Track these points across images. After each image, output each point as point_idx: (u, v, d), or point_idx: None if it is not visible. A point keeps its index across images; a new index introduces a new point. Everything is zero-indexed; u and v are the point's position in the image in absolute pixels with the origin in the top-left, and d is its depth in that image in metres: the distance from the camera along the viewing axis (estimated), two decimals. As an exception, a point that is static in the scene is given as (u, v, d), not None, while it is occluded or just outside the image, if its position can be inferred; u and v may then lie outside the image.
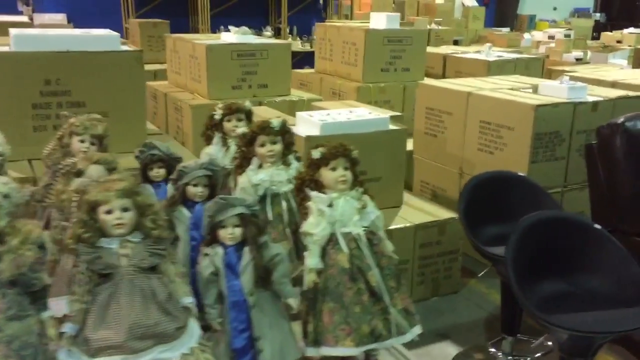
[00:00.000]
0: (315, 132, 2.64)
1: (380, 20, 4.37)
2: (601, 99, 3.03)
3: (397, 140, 2.80)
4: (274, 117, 2.35)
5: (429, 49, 5.35)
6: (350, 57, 4.37)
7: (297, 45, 7.70)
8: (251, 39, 3.92)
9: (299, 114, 2.79)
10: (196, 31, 7.03)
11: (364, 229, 2.00)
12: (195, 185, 2.06)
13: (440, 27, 9.07)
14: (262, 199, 2.19)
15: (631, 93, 3.14)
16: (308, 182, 2.03)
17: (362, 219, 2.02)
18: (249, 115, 2.60)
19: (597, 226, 1.81)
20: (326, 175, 2.01)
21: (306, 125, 2.71)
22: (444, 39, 8.62)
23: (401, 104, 4.34)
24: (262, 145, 2.20)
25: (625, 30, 9.28)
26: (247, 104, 2.63)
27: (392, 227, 2.64)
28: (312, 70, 4.92)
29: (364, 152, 2.72)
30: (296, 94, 4.26)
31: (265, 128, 2.20)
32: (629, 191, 2.21)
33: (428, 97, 3.52)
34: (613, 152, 2.24)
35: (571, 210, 2.70)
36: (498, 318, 2.44)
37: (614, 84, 3.56)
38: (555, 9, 12.72)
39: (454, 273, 2.86)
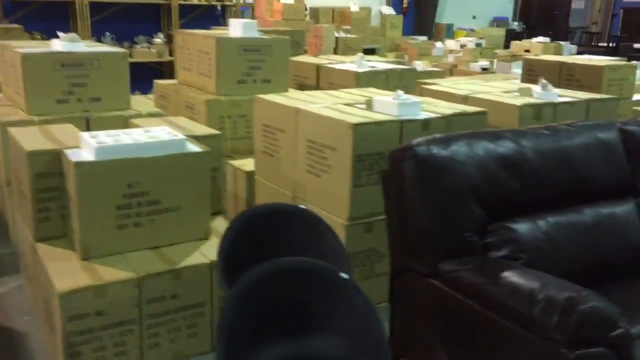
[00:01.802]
0: (89, 157, 2.28)
1: (237, 28, 4.05)
2: (434, 116, 2.78)
3: (198, 164, 2.48)
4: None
5: (303, 59, 5.08)
6: (205, 67, 4.03)
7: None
8: (80, 47, 3.53)
9: (81, 134, 2.43)
10: (76, 38, 6.56)
11: None
12: None
13: (349, 35, 8.85)
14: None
15: (469, 109, 2.90)
16: None
17: None
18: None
19: (344, 276, 1.51)
20: None
21: (86, 148, 2.35)
22: (353, 47, 8.41)
23: (259, 118, 4.04)
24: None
25: (534, 39, 9.28)
26: None
27: (182, 265, 2.31)
28: (174, 82, 4.56)
29: (154, 178, 2.41)
30: (144, 108, 3.89)
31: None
32: (420, 225, 1.94)
33: (264, 113, 3.21)
34: (403, 180, 1.97)
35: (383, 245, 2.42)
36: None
37: (466, 99, 3.34)
38: (474, 17, 12.75)
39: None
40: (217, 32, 4.49)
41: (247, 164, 3.45)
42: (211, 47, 3.91)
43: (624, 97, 5.04)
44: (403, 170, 1.96)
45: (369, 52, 8.93)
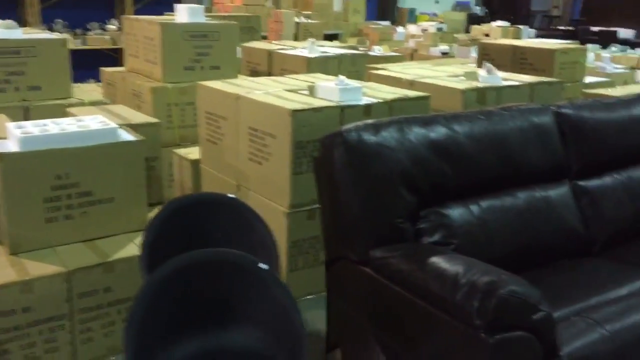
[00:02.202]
0: (14, 148, 2.20)
1: (182, 14, 3.96)
2: (376, 101, 2.76)
3: (131, 153, 2.41)
4: None
5: (256, 45, 5.00)
6: (151, 54, 3.93)
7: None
8: (16, 34, 3.41)
9: (7, 124, 2.34)
10: (25, 24, 6.36)
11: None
12: None
13: (309, 21, 8.77)
14: None
15: (411, 94, 2.89)
16: None
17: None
18: None
19: (263, 266, 1.48)
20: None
21: (11, 139, 2.27)
22: (314, 33, 8.34)
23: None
24: None
25: (494, 24, 9.33)
26: None
27: (115, 257, 2.25)
28: (121, 69, 4.45)
29: (84, 169, 2.34)
30: (88, 97, 3.79)
31: None
32: (350, 212, 1.91)
33: (207, 100, 3.15)
34: (333, 167, 1.94)
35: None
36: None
37: (412, 83, 3.33)
38: (437, 2, 12.76)
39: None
40: (164, 18, 4.39)
41: (194, 152, 3.39)
42: (156, 33, 3.82)
43: (576, 79, 5.11)
44: (333, 157, 1.93)
45: (331, 37, 8.88)
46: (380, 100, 2.78)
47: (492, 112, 2.23)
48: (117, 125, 2.42)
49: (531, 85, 3.31)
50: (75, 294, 2.17)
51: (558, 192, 2.29)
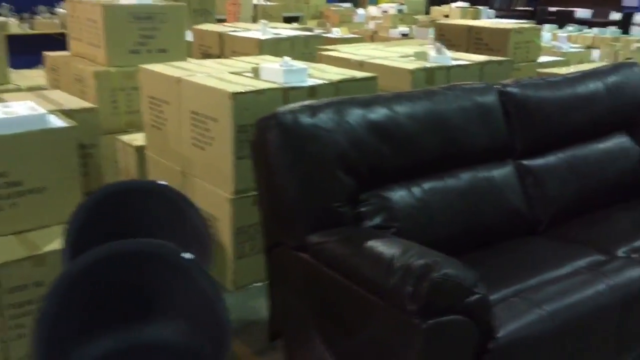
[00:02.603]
0: None
1: (127, -6, 3.82)
2: (321, 82, 2.69)
3: (62, 141, 2.30)
4: None
5: (207, 27, 4.87)
6: (94, 37, 3.78)
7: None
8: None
9: None
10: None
11: None
12: None
13: (269, 3, 8.63)
14: None
15: (358, 75, 2.83)
16: None
17: None
18: None
19: (187, 256, 1.41)
20: None
21: None
22: (273, 15, 8.21)
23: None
24: None
25: (453, 4, 9.31)
26: None
27: (46, 250, 2.15)
28: (66, 54, 4.28)
29: (12, 158, 2.22)
30: (28, 82, 3.64)
31: None
32: (286, 196, 1.85)
33: (149, 84, 3.04)
34: (268, 150, 1.87)
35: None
36: None
37: (361, 64, 3.27)
38: (399, -17, 12.67)
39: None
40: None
41: (139, 139, 3.28)
42: (98, 15, 3.67)
43: (530, 59, 5.12)
44: (267, 140, 1.87)
45: (291, 20, 8.74)
46: (326, 82, 2.71)
47: (434, 91, 2.19)
48: (46, 112, 2.30)
49: (481, 64, 3.28)
50: (4, 289, 2.06)
51: (502, 172, 2.27)
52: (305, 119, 1.88)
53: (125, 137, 3.33)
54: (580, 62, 6.14)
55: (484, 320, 1.57)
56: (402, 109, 2.06)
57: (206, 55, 4.69)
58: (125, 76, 3.65)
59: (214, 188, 2.64)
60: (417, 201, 2.01)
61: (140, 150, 3.18)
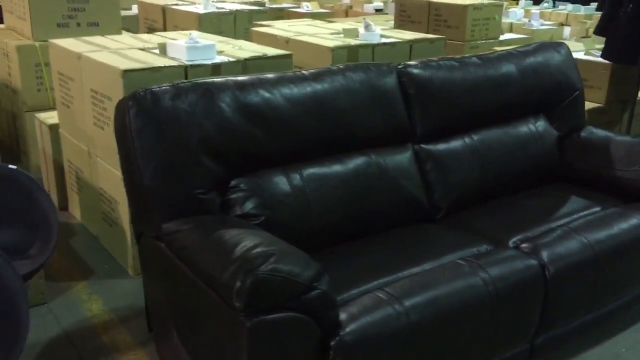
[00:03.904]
0: None
1: (55, -35, 3.67)
2: (227, 60, 2.58)
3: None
4: None
5: (151, 0, 4.73)
6: (20, 9, 3.65)
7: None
8: None
9: None
10: None
11: None
12: None
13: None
14: None
15: (271, 53, 2.71)
16: None
17: None
18: None
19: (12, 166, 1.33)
20: None
21: None
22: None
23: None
24: None
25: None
26: None
27: None
28: (2, 26, 4.14)
29: None
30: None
31: None
32: (143, 182, 1.75)
33: (58, 60, 2.93)
34: (126, 133, 1.77)
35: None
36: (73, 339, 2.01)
37: (287, 41, 3.15)
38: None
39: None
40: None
41: (55, 116, 3.17)
42: (23, -14, 3.54)
43: (490, 37, 4.98)
44: (125, 123, 1.76)
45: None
46: (232, 60, 2.60)
47: (320, 73, 2.07)
48: None
49: (410, 42, 3.16)
50: None
51: (398, 157, 2.16)
52: (166, 101, 1.77)
53: (42, 115, 3.23)
54: (551, 39, 5.99)
55: (326, 317, 1.48)
56: (281, 91, 1.95)
57: (151, 30, 4.56)
58: (51, 51, 3.53)
59: (112, 169, 2.54)
60: (294, 188, 1.91)
61: (54, 128, 3.08)
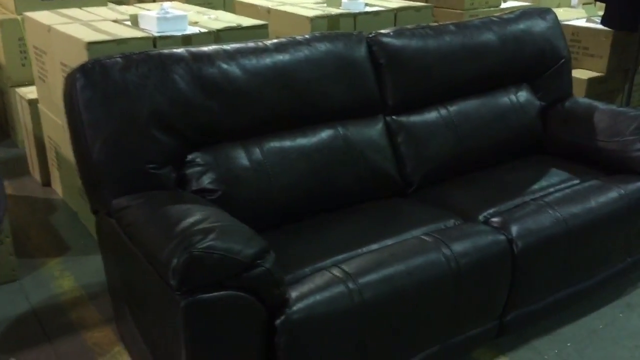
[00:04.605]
0: None
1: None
2: (198, 31, 2.50)
3: None
4: None
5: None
6: (3, -17, 3.60)
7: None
8: None
9: None
10: None
11: None
12: None
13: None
14: None
15: (246, 23, 2.63)
16: None
17: None
18: None
19: None
20: None
21: None
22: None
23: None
24: None
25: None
26: None
27: None
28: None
29: None
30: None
31: None
32: (92, 156, 1.70)
33: (33, 34, 2.88)
34: (74, 106, 1.72)
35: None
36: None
37: (269, 11, 3.06)
38: None
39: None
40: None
41: (35, 91, 3.13)
42: (3, -41, 3.48)
43: (492, 5, 4.82)
44: (73, 95, 1.71)
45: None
46: (204, 31, 2.53)
47: (283, 43, 1.99)
48: None
49: (395, 10, 3.05)
50: None
51: (367, 129, 2.09)
52: (115, 73, 1.71)
53: (23, 90, 3.19)
54: (559, 6, 5.80)
55: (271, 295, 1.43)
56: (239, 62, 1.88)
57: (141, 1, 4.48)
58: (34, 25, 3.47)
59: (84, 145, 2.50)
60: (253, 162, 1.85)
61: (33, 103, 3.04)
